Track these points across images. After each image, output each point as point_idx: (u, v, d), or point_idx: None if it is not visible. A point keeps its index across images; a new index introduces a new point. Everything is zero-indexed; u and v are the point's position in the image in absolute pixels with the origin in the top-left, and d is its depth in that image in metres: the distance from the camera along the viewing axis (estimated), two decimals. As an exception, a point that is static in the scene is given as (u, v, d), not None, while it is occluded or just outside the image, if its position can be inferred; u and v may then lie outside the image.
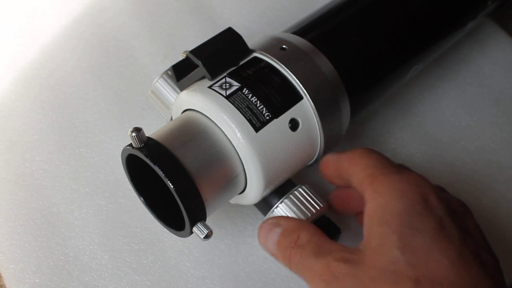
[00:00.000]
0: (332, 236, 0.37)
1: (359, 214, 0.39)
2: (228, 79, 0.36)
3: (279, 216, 0.36)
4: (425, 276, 0.29)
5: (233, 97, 0.35)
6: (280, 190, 0.38)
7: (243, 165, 0.35)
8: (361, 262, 0.30)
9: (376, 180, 0.32)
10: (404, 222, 0.30)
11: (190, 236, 0.35)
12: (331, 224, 0.38)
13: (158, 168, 0.32)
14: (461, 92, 0.52)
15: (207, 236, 0.34)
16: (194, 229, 0.34)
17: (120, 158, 0.37)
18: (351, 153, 0.35)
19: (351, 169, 0.34)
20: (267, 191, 0.37)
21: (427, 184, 0.32)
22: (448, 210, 0.31)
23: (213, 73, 0.36)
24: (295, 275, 0.41)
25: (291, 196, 0.37)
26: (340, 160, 0.36)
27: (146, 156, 0.33)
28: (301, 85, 0.36)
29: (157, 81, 0.41)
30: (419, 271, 0.29)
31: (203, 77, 0.37)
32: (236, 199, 0.39)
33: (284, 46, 0.38)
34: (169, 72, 0.41)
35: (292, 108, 0.36)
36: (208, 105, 0.35)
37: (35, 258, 0.41)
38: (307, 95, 0.36)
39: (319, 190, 0.39)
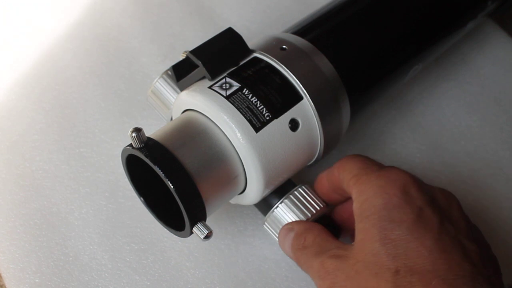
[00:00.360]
0: (334, 234, 0.37)
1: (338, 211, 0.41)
2: (228, 79, 0.36)
3: (293, 222, 0.37)
4: (404, 266, 0.30)
5: (233, 97, 0.35)
6: (280, 190, 0.38)
7: (243, 165, 0.35)
8: (349, 257, 0.32)
9: (359, 181, 0.34)
10: (383, 216, 0.31)
11: (190, 236, 0.35)
12: (332, 224, 0.38)
13: (158, 168, 0.32)
14: (461, 92, 0.52)
15: (207, 236, 0.34)
16: (194, 229, 0.34)
17: (120, 158, 0.37)
18: (339, 161, 0.37)
19: (340, 175, 0.36)
20: (267, 191, 0.37)
21: (406, 177, 0.33)
22: (428, 200, 0.32)
23: (213, 73, 0.36)
24: (295, 275, 0.42)
25: (291, 196, 0.37)
26: (331, 171, 0.38)
27: (146, 157, 0.33)
28: (301, 85, 0.36)
29: (157, 81, 0.41)
30: (399, 261, 0.30)
31: (203, 77, 0.37)
32: (236, 199, 0.39)
33: (284, 46, 0.38)
34: (169, 72, 0.41)
35: (292, 108, 0.36)
36: (208, 105, 0.35)
37: (35, 258, 0.41)
38: (307, 95, 0.36)
39: (319, 190, 0.39)
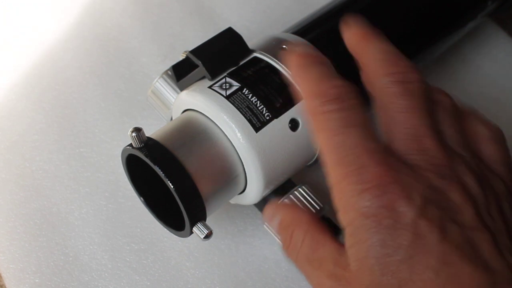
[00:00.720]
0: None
1: None
2: (228, 79, 0.36)
3: (278, 204, 0.34)
4: None
5: (233, 97, 0.35)
6: (280, 190, 0.38)
7: (243, 165, 0.35)
8: (350, 283, 0.28)
9: (339, 212, 0.29)
10: (376, 243, 0.27)
11: (190, 236, 0.35)
12: (331, 224, 0.38)
13: (158, 168, 0.32)
14: (461, 92, 0.52)
15: (207, 236, 0.34)
16: (194, 229, 0.34)
17: (120, 158, 0.37)
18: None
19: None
20: (267, 191, 0.37)
21: (391, 190, 0.27)
22: (420, 207, 0.27)
23: (213, 73, 0.36)
24: (295, 275, 0.42)
25: (291, 196, 0.37)
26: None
27: (146, 156, 0.33)
28: (301, 85, 0.36)
29: (157, 81, 0.41)
30: None
31: (203, 77, 0.37)
32: (236, 199, 0.39)
33: (284, 46, 0.38)
34: (169, 72, 0.41)
35: (292, 108, 0.36)
36: (208, 105, 0.35)
37: (35, 258, 0.41)
38: (307, 95, 0.36)
39: (319, 190, 0.39)
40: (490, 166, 0.31)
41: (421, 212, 0.26)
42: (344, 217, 0.28)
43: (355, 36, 0.32)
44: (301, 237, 0.31)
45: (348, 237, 0.28)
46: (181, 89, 0.39)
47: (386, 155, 0.28)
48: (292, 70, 0.31)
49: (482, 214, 0.28)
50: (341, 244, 0.29)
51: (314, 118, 0.29)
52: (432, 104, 0.31)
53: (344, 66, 0.39)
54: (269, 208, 0.34)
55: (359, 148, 0.28)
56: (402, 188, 0.27)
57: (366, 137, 0.28)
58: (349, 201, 0.27)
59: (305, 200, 0.38)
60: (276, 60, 0.37)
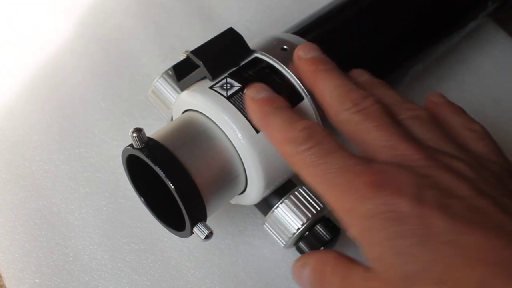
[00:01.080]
0: (331, 236, 0.37)
1: None
2: (229, 80, 0.36)
3: (302, 256, 0.34)
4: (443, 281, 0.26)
5: (234, 98, 0.35)
6: (281, 191, 0.38)
7: (243, 166, 0.35)
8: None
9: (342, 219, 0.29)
10: (386, 238, 0.27)
11: (190, 236, 0.35)
12: (330, 225, 0.38)
13: (159, 168, 0.32)
14: (461, 92, 0.52)
15: (207, 237, 0.34)
16: (195, 229, 0.34)
17: (120, 158, 0.37)
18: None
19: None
20: (268, 192, 0.37)
21: (383, 189, 0.28)
22: (416, 190, 0.27)
23: (214, 74, 0.36)
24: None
25: (291, 196, 0.37)
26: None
27: (147, 157, 0.33)
28: (301, 86, 0.36)
29: (157, 80, 0.41)
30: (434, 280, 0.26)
31: (204, 78, 0.37)
32: (237, 200, 0.39)
33: (285, 47, 0.38)
34: (170, 72, 0.41)
35: (293, 109, 0.36)
36: (209, 106, 0.35)
37: (35, 258, 0.41)
38: (308, 95, 0.36)
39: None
40: (483, 157, 0.32)
41: (418, 197, 0.27)
42: (352, 230, 0.29)
43: (307, 73, 0.35)
44: (330, 269, 0.31)
45: (362, 247, 0.29)
46: (182, 89, 0.39)
47: (368, 164, 0.29)
48: (254, 118, 0.34)
49: (479, 184, 0.29)
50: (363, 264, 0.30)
51: (291, 160, 0.31)
52: (408, 119, 0.33)
53: (347, 66, 0.39)
54: (295, 265, 0.34)
55: (342, 168, 0.29)
56: (394, 183, 0.28)
57: (344, 157, 0.30)
58: (350, 214, 0.29)
59: (305, 200, 0.38)
60: (277, 61, 0.37)
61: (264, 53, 0.37)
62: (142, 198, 0.38)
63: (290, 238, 0.37)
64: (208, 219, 0.35)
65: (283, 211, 0.37)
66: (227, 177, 0.35)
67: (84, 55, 0.51)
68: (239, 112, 0.34)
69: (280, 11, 0.55)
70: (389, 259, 0.27)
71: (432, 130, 0.33)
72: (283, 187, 0.38)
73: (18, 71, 0.50)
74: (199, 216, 0.34)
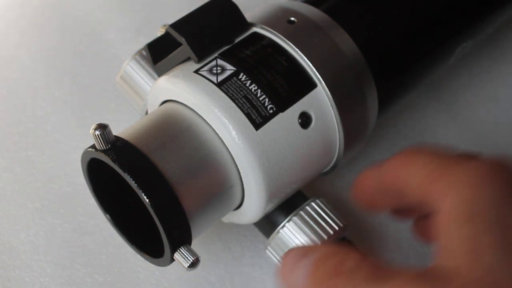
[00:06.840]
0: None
1: (419, 227, 0.38)
2: (220, 62, 0.36)
3: (308, 246, 0.35)
4: None
5: (226, 85, 0.35)
6: (287, 205, 0.38)
7: (239, 173, 0.36)
8: (447, 279, 0.29)
9: (446, 173, 0.32)
10: (498, 218, 0.30)
11: (171, 264, 0.35)
12: (353, 248, 0.39)
13: (129, 176, 0.33)
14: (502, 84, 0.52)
15: (192, 265, 0.34)
16: (176, 255, 0.34)
17: (79, 164, 0.37)
18: (399, 155, 0.35)
19: (404, 172, 0.34)
20: (271, 206, 0.37)
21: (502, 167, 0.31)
22: None
23: (201, 54, 0.36)
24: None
25: (301, 212, 0.38)
26: (385, 169, 0.35)
27: (114, 161, 0.33)
28: (314, 69, 0.37)
29: (128, 63, 0.42)
30: None
31: (188, 59, 0.37)
32: (231, 217, 0.39)
33: (292, 19, 0.38)
34: (144, 53, 0.41)
35: (303, 99, 0.36)
36: (194, 95, 0.35)
37: (-32, 295, 0.41)
38: (323, 82, 0.37)
39: (339, 205, 0.40)
40: None
41: None
42: (449, 186, 0.32)
43: None
44: (355, 262, 0.31)
45: (457, 214, 0.31)
46: (159, 74, 0.39)
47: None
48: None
49: None
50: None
51: None
52: None
53: (364, 37, 0.39)
54: (290, 253, 0.34)
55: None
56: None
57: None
58: (464, 168, 0.32)
59: (320, 218, 0.38)
60: (282, 37, 0.37)
61: (265, 27, 0.38)
62: (108, 215, 0.38)
63: (299, 266, 0.37)
64: (193, 242, 0.35)
65: (291, 232, 0.38)
66: (218, 188, 0.36)
67: (32, 29, 0.51)
68: (233, 103, 0.35)
69: (287, -28, 0.55)
70: (490, 259, 0.29)
71: None
72: (291, 201, 0.38)
73: None
74: (181, 238, 0.34)
